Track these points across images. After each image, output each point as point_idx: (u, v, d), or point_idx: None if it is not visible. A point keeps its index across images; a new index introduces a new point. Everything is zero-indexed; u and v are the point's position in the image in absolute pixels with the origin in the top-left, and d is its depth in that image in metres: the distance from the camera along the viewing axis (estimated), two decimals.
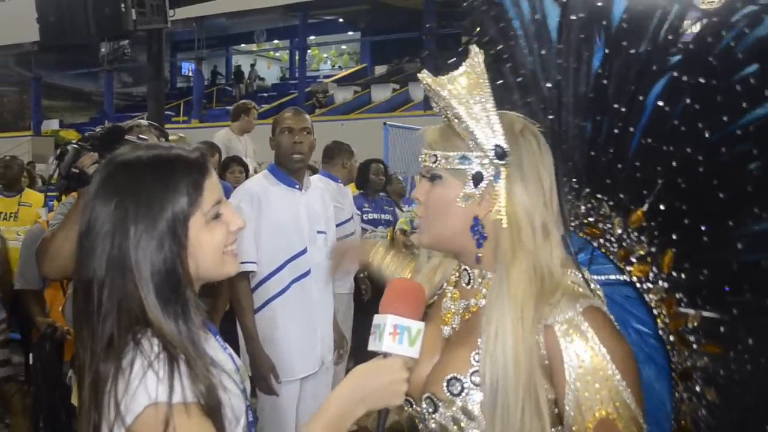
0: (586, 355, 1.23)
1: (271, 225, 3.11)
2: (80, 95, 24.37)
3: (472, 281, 1.37)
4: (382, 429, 1.27)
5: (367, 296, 4.18)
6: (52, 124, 20.70)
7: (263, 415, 3.19)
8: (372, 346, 1.24)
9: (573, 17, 1.52)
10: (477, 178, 1.29)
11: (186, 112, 20.97)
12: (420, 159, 1.37)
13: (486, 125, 1.27)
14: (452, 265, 1.46)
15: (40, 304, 3.74)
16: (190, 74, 25.14)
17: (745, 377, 1.28)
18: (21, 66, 22.89)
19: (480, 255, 1.32)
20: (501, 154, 1.27)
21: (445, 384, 1.30)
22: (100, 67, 19.91)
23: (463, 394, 1.28)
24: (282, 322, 3.12)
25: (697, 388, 1.36)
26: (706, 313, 1.34)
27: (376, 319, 1.24)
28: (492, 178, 1.29)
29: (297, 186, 3.21)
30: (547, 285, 1.27)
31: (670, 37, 1.42)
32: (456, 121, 1.29)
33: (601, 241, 1.52)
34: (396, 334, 1.21)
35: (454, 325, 1.38)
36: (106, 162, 1.26)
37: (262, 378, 3.05)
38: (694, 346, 1.35)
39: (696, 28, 1.40)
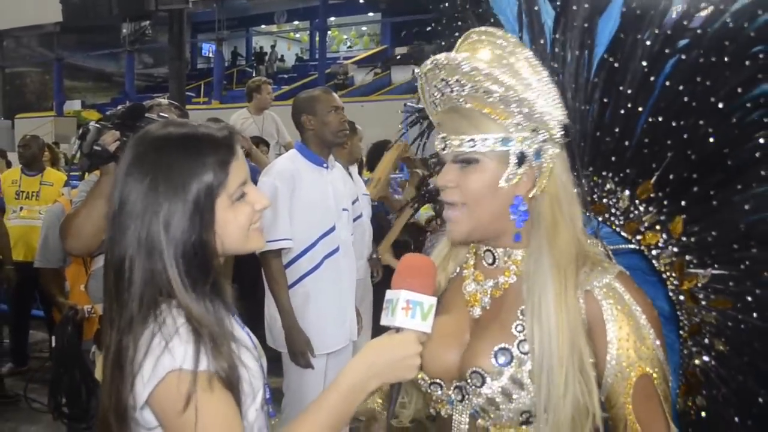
0: (625, 315, 1.29)
1: (304, 203, 3.19)
2: (102, 76, 24.48)
3: (497, 261, 1.39)
4: (393, 408, 1.30)
5: (378, 278, 4.19)
6: (74, 105, 20.81)
7: (290, 391, 3.27)
8: (384, 321, 1.25)
9: (575, 7, 1.57)
10: (521, 158, 1.31)
11: (206, 93, 21.01)
12: (441, 144, 1.35)
13: (552, 104, 1.29)
14: (463, 251, 1.47)
15: (60, 284, 3.77)
16: (211, 55, 25.15)
17: (752, 326, 1.40)
18: (43, 47, 23.01)
19: (520, 233, 1.35)
20: (567, 131, 1.31)
21: (492, 356, 1.31)
22: (122, 48, 19.96)
23: (513, 363, 1.30)
24: (315, 297, 3.21)
25: (706, 341, 1.47)
26: (715, 271, 1.45)
27: (389, 294, 1.26)
28: (533, 156, 1.31)
29: (325, 165, 3.32)
30: (581, 252, 1.33)
31: (684, 23, 1.51)
32: (496, 100, 1.28)
33: (606, 215, 1.58)
34: (408, 309, 1.22)
35: (484, 305, 1.40)
36: (137, 139, 1.27)
37: (299, 352, 3.13)
38: (704, 302, 1.46)
39: (704, 13, 1.49)
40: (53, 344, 3.12)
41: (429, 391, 1.40)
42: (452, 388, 1.38)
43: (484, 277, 1.41)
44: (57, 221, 3.43)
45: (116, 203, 1.23)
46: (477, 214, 1.33)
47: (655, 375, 1.30)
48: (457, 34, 1.74)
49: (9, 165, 7.44)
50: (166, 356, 1.15)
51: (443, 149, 1.35)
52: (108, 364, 1.23)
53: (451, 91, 1.33)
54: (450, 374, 1.37)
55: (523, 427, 1.32)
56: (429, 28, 1.88)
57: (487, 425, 1.34)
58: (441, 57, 1.32)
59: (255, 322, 3.17)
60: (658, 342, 1.30)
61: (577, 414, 1.26)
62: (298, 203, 3.19)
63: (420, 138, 2.15)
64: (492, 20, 1.70)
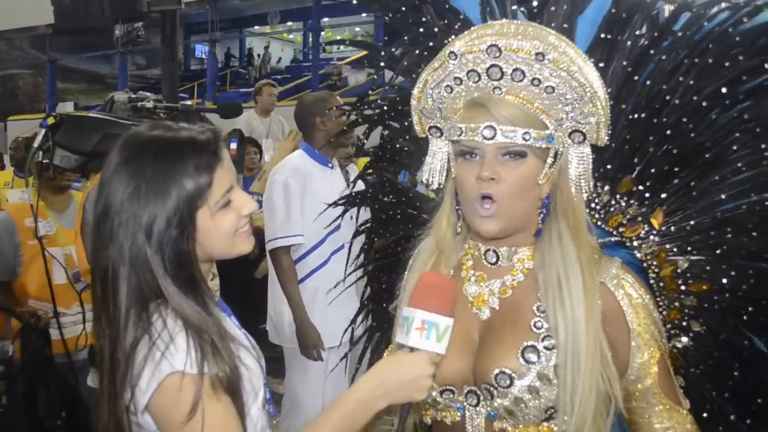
0: (637, 303, 1.34)
1: (314, 201, 3.24)
2: (95, 78, 24.32)
3: (500, 260, 1.39)
4: (402, 427, 1.31)
5: None
6: (67, 107, 20.59)
7: (291, 386, 3.34)
8: (399, 339, 1.25)
9: (553, 8, 1.59)
10: (556, 156, 1.34)
11: (200, 94, 20.88)
12: (495, 132, 1.30)
13: (608, 107, 1.33)
14: (455, 254, 1.45)
15: (9, 296, 3.43)
16: (204, 57, 25.05)
17: (726, 305, 1.49)
18: (36, 49, 22.86)
19: (542, 228, 1.37)
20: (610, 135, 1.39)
21: (519, 355, 1.31)
22: (115, 50, 19.89)
23: (540, 360, 1.31)
24: (323, 292, 3.22)
25: (684, 323, 1.54)
26: (693, 257, 1.52)
27: (405, 311, 1.25)
28: (561, 153, 1.34)
29: (330, 165, 3.43)
30: (594, 245, 1.39)
31: (667, 25, 1.56)
32: (556, 99, 1.31)
33: (587, 210, 1.57)
34: (423, 330, 1.22)
35: (492, 306, 1.39)
36: (122, 143, 1.26)
37: (311, 345, 3.22)
38: (683, 287, 1.53)
39: (687, 15, 1.55)
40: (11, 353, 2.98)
41: (439, 399, 1.39)
42: (465, 393, 1.36)
43: (488, 277, 1.41)
44: (5, 231, 3.31)
45: (100, 208, 1.22)
46: (512, 210, 1.33)
47: (665, 354, 1.38)
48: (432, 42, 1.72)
49: (3, 167, 7.41)
50: (164, 362, 1.15)
51: (490, 138, 1.30)
52: (102, 376, 1.22)
53: (499, 79, 1.29)
54: (462, 379, 1.37)
55: (544, 424, 1.32)
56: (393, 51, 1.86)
57: (506, 426, 1.34)
58: (503, 42, 1.27)
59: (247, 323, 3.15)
60: (660, 324, 1.38)
61: (600, 403, 1.29)
62: (308, 200, 3.26)
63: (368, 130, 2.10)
64: (461, 16, 1.71)
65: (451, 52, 1.33)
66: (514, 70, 1.29)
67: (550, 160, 1.33)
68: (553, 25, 1.57)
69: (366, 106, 2.04)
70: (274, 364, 3.21)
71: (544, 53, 1.27)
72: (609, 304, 1.34)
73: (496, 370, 1.33)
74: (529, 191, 1.33)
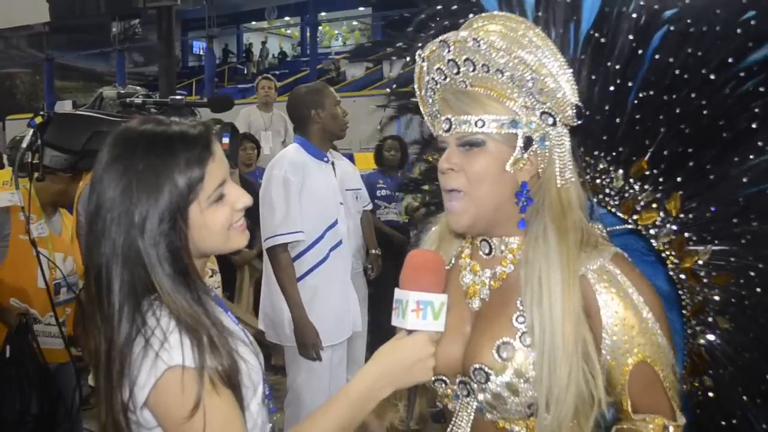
0: (620, 299, 1.26)
1: (312, 196, 3.20)
2: (93, 75, 24.34)
3: (493, 250, 1.36)
4: (412, 411, 1.29)
5: (375, 274, 4.17)
6: (65, 105, 20.68)
7: (295, 385, 3.25)
8: (395, 322, 1.23)
9: None
10: (527, 142, 1.28)
11: (198, 91, 20.92)
12: (450, 125, 1.31)
13: (569, 87, 1.26)
14: (456, 241, 1.45)
15: None
16: (201, 53, 25.06)
17: (755, 301, 1.38)
18: (33, 47, 22.91)
19: (525, 219, 1.31)
20: (580, 114, 1.26)
21: (494, 351, 1.29)
22: (112, 47, 19.91)
23: (516, 357, 1.27)
24: (323, 289, 3.22)
25: (710, 320, 1.44)
26: (715, 247, 1.42)
27: (398, 294, 1.23)
28: (539, 141, 1.29)
29: (325, 159, 3.34)
30: (585, 236, 1.31)
31: None
32: (506, 81, 1.26)
33: (601, 196, 1.55)
34: (419, 311, 1.20)
35: (483, 296, 1.37)
36: (113, 139, 1.24)
37: (310, 345, 3.12)
38: (706, 280, 1.43)
39: None
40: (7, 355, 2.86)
41: (433, 387, 1.37)
42: (457, 383, 1.35)
43: (481, 267, 1.38)
44: None
45: (93, 206, 1.21)
46: (480, 201, 1.30)
47: (653, 361, 1.25)
48: (447, 23, 1.69)
49: (2, 166, 7.38)
50: (161, 357, 1.13)
51: (447, 131, 1.30)
52: (98, 374, 1.21)
53: (457, 73, 1.29)
54: (453, 369, 1.35)
55: (532, 418, 1.29)
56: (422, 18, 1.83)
57: (495, 419, 1.32)
58: (451, 35, 1.28)
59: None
60: (658, 325, 1.26)
61: (581, 403, 1.23)
62: (307, 195, 3.19)
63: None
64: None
65: (419, 56, 1.35)
66: (465, 60, 1.28)
67: (519, 145, 1.28)
68: (557, 1, 1.53)
69: (399, 97, 2.01)
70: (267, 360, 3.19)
71: (478, 39, 1.24)
72: (587, 298, 1.27)
73: (474, 366, 1.31)
74: (495, 180, 1.29)
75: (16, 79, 24.54)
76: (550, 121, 1.27)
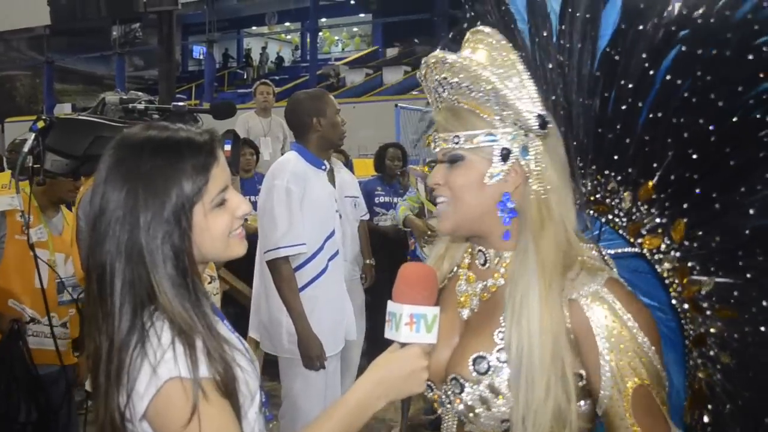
0: (615, 325, 1.24)
1: (312, 206, 3.16)
2: (93, 79, 24.34)
3: (488, 262, 1.37)
4: (405, 422, 1.29)
5: (369, 284, 4.16)
6: (65, 108, 20.66)
7: (290, 397, 3.21)
8: (388, 335, 1.24)
9: None
10: (505, 154, 1.28)
11: (198, 95, 20.93)
12: (433, 143, 1.35)
13: (527, 98, 1.26)
14: (460, 250, 1.45)
15: None
16: (202, 58, 25.08)
17: (759, 339, 1.32)
18: (33, 50, 22.91)
19: (509, 231, 1.31)
20: (543, 123, 1.25)
21: (470, 363, 1.29)
22: (112, 51, 19.92)
23: (490, 372, 1.28)
24: (322, 300, 3.19)
25: (712, 353, 1.39)
26: (719, 279, 1.38)
27: (391, 306, 1.23)
28: (519, 152, 1.28)
29: (323, 167, 3.29)
30: (569, 255, 1.28)
31: (684, 12, 1.42)
32: (480, 96, 1.27)
33: (610, 216, 1.53)
34: (412, 324, 1.21)
35: (472, 307, 1.38)
36: (116, 143, 1.25)
37: (315, 356, 3.08)
38: (708, 312, 1.39)
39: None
40: None
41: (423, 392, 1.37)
42: (442, 389, 1.36)
43: (476, 278, 1.39)
44: None
45: (96, 209, 1.21)
46: (463, 209, 1.32)
47: (649, 384, 1.24)
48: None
49: (2, 169, 7.38)
50: (162, 367, 1.13)
51: (433, 148, 1.34)
52: (97, 376, 1.20)
53: (444, 91, 1.32)
54: (439, 375, 1.35)
55: None
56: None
57: (472, 429, 1.33)
58: (431, 57, 1.31)
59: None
60: (653, 348, 1.24)
61: (556, 423, 1.22)
62: (308, 205, 3.14)
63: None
64: (503, 7, 1.65)
65: (419, 76, 1.39)
66: (443, 78, 1.31)
67: (496, 158, 1.28)
68: (577, 15, 1.52)
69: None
70: (268, 367, 3.18)
71: (445, 57, 1.29)
72: (580, 324, 1.25)
73: (451, 375, 1.32)
74: (476, 192, 1.31)
75: (16, 81, 24.52)
76: (522, 132, 1.28)
